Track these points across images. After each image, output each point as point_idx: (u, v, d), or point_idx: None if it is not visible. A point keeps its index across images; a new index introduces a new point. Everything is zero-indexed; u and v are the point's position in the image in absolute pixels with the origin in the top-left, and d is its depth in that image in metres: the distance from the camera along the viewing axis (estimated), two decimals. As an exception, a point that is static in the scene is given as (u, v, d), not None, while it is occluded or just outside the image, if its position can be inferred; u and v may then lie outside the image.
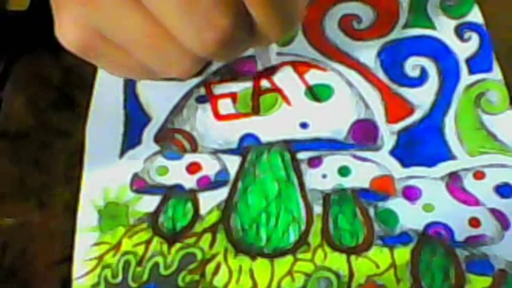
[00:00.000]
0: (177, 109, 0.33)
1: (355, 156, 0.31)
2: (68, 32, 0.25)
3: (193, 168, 0.31)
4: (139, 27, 0.24)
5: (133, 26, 0.24)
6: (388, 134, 0.32)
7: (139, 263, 0.29)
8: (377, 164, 0.31)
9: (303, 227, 0.30)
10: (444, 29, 0.35)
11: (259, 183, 0.31)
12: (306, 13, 0.27)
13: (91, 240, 0.30)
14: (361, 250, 0.29)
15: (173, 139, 0.32)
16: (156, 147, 0.32)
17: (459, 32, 0.35)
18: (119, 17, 0.23)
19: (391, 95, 0.33)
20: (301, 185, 0.31)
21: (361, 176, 0.31)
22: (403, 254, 0.29)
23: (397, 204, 0.30)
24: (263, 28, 0.25)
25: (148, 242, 0.30)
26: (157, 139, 0.32)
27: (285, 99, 0.33)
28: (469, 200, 0.30)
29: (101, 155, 0.32)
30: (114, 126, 0.33)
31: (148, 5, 0.23)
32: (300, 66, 0.34)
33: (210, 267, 0.29)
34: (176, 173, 0.31)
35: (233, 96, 0.33)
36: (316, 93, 0.33)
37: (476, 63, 0.33)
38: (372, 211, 0.30)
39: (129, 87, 0.34)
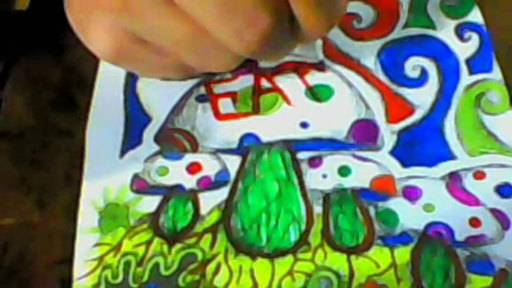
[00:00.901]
0: (177, 109, 0.33)
1: (355, 156, 0.31)
2: (100, 40, 0.25)
3: (193, 168, 0.31)
4: (178, 28, 0.23)
5: (172, 27, 0.23)
6: (388, 134, 0.32)
7: (139, 263, 0.29)
8: (377, 164, 0.31)
9: (303, 227, 0.30)
10: (444, 29, 0.35)
11: (259, 183, 0.31)
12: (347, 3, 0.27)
13: (91, 241, 0.30)
14: (362, 250, 0.29)
15: (173, 139, 0.32)
16: (157, 148, 0.32)
17: (459, 32, 0.35)
18: (156, 20, 0.23)
19: (391, 95, 0.33)
20: (302, 184, 0.31)
21: (362, 175, 0.31)
22: (403, 253, 0.29)
23: (397, 204, 0.30)
24: (306, 26, 0.24)
25: (148, 243, 0.30)
26: (157, 139, 0.32)
27: (285, 99, 0.33)
28: (469, 200, 0.30)
29: (101, 155, 0.32)
30: (114, 127, 0.33)
31: (185, 8, 0.22)
32: (300, 66, 0.34)
33: (210, 268, 0.29)
34: (176, 173, 0.31)
35: (233, 95, 0.33)
36: (317, 93, 0.33)
37: (476, 64, 0.33)
38: (372, 211, 0.30)
39: (129, 87, 0.34)
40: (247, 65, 0.33)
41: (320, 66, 0.34)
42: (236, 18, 0.22)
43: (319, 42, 0.31)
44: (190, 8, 0.22)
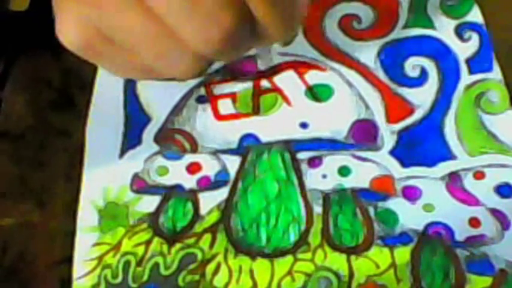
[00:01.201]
0: (177, 109, 0.33)
1: (355, 156, 0.31)
2: (68, 31, 0.25)
3: (193, 168, 0.31)
4: (142, 26, 0.23)
5: (136, 26, 0.23)
6: (388, 134, 0.32)
7: (139, 263, 0.29)
8: (377, 164, 0.31)
9: (303, 227, 0.30)
10: (444, 29, 0.35)
11: (259, 183, 0.31)
12: (306, 13, 0.27)
13: (91, 240, 0.30)
14: (361, 250, 0.29)
15: (173, 139, 0.32)
16: (156, 148, 0.32)
17: (459, 32, 0.35)
18: (120, 16, 0.23)
19: (391, 95, 0.33)
20: (301, 185, 0.31)
21: (361, 176, 0.31)
22: (403, 254, 0.29)
23: (397, 204, 0.30)
24: (265, 28, 0.25)
25: (148, 243, 0.30)
26: (157, 139, 0.32)
27: (285, 99, 0.33)
28: (469, 200, 0.30)
29: (101, 155, 0.32)
30: (114, 127, 0.33)
31: (151, 4, 0.23)
32: (300, 66, 0.34)
33: (210, 268, 0.29)
34: (176, 173, 0.31)
35: (233, 96, 0.33)
36: (316, 93, 0.33)
37: (476, 63, 0.33)
38: (372, 211, 0.30)
39: (129, 87, 0.34)
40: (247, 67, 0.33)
41: (319, 66, 0.34)
42: (200, 16, 0.23)
43: (275, 47, 0.31)
44: (155, 4, 0.23)
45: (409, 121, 0.32)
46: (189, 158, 0.32)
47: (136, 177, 0.31)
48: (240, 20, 0.23)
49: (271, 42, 0.28)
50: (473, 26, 0.35)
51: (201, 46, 0.24)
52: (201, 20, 0.23)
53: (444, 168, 0.31)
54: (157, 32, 0.24)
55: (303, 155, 0.31)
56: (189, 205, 0.30)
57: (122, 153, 0.32)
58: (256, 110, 0.33)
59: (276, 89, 0.33)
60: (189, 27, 0.23)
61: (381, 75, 0.34)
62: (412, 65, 0.34)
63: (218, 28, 0.23)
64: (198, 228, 0.30)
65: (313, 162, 0.31)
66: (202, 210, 0.30)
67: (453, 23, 0.35)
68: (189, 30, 0.23)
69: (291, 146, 0.32)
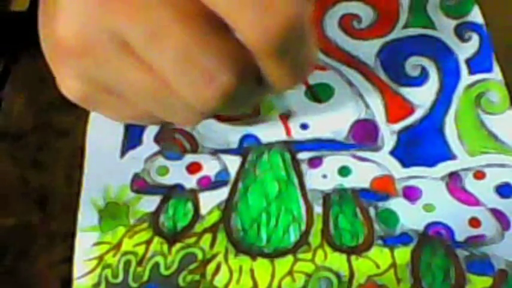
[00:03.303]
0: (177, 109, 0.33)
1: (355, 156, 0.31)
2: (70, 86, 0.24)
3: (193, 168, 0.31)
4: (140, 79, 0.23)
5: (134, 79, 0.23)
6: (388, 134, 0.32)
7: (139, 263, 0.29)
8: (377, 164, 0.31)
9: (303, 227, 0.30)
10: (444, 29, 0.35)
11: (259, 184, 0.31)
12: (317, 55, 0.25)
13: (91, 240, 0.30)
14: (362, 250, 0.29)
15: (173, 139, 0.32)
16: (157, 147, 0.32)
17: (459, 32, 0.35)
18: (118, 70, 0.23)
19: (391, 94, 0.33)
20: (302, 185, 0.31)
21: (362, 176, 0.31)
22: (403, 254, 0.29)
23: (397, 204, 0.30)
24: (272, 80, 0.23)
25: (148, 242, 0.30)
26: (157, 139, 0.32)
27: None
28: (469, 200, 0.30)
29: (102, 155, 0.32)
30: (114, 127, 0.33)
31: (146, 58, 0.22)
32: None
33: (210, 267, 0.29)
34: (176, 173, 0.31)
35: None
36: (317, 93, 0.33)
37: (476, 64, 0.33)
38: (372, 211, 0.30)
39: (129, 87, 0.34)
40: None
41: (319, 65, 0.34)
42: (196, 72, 0.21)
43: (289, 91, 0.30)
44: (151, 58, 0.22)
45: (409, 121, 0.32)
46: (189, 158, 0.32)
47: (136, 177, 0.31)
48: (240, 77, 0.22)
49: (279, 92, 0.27)
50: (473, 26, 0.35)
51: (198, 104, 0.23)
52: (197, 77, 0.22)
53: (444, 168, 0.31)
54: (156, 86, 0.23)
55: (303, 155, 0.31)
56: (190, 205, 0.30)
57: (123, 153, 0.32)
58: (256, 112, 0.33)
59: (276, 89, 0.33)
60: (184, 85, 0.22)
61: (381, 74, 0.34)
62: (412, 65, 0.34)
63: (214, 86, 0.22)
64: (198, 228, 0.30)
65: (314, 163, 0.31)
66: (203, 210, 0.30)
67: (453, 23, 0.35)
68: (185, 87, 0.22)
69: (291, 146, 0.32)
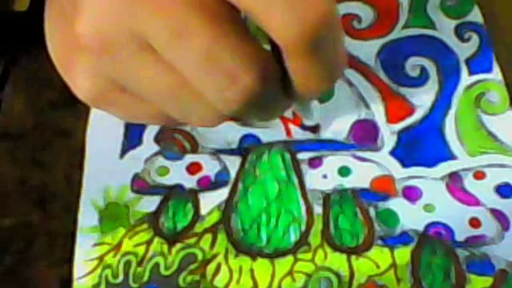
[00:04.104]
0: (178, 109, 0.33)
1: (355, 157, 0.31)
2: (81, 82, 0.24)
3: (193, 168, 0.31)
4: (159, 78, 0.22)
5: (153, 78, 0.22)
6: (388, 134, 0.32)
7: (139, 263, 0.29)
8: (377, 164, 0.31)
9: (303, 227, 0.30)
10: (444, 29, 0.35)
11: (259, 184, 0.31)
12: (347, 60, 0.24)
13: (91, 240, 0.30)
14: (362, 250, 0.29)
15: (173, 139, 0.32)
16: (157, 148, 0.32)
17: (459, 32, 0.35)
18: (137, 68, 0.22)
19: (391, 95, 0.33)
20: (302, 185, 0.31)
21: (362, 176, 0.31)
22: (403, 254, 0.29)
23: (397, 204, 0.30)
24: (300, 84, 0.23)
25: (148, 243, 0.30)
26: (157, 139, 0.32)
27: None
28: (469, 200, 0.30)
29: (102, 155, 0.32)
30: (114, 127, 0.33)
31: (167, 57, 0.21)
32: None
33: (210, 268, 0.29)
34: (177, 173, 0.31)
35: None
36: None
37: (476, 64, 0.33)
38: (372, 211, 0.30)
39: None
40: None
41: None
42: (219, 73, 0.21)
43: (316, 103, 0.30)
44: (172, 58, 0.21)
45: (409, 121, 0.32)
46: (189, 158, 0.32)
47: (136, 178, 0.31)
48: (264, 79, 0.21)
49: (307, 99, 0.26)
50: (473, 26, 0.35)
51: (220, 106, 0.22)
52: (220, 77, 0.21)
53: (444, 168, 0.31)
54: (176, 85, 0.22)
55: (303, 155, 0.31)
56: (190, 205, 0.30)
57: (123, 153, 0.32)
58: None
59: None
60: (206, 84, 0.22)
61: (381, 75, 0.34)
62: (412, 65, 0.34)
63: (237, 88, 0.21)
64: (198, 228, 0.30)
65: (314, 163, 0.31)
66: (203, 210, 0.30)
67: (453, 23, 0.35)
68: (207, 88, 0.22)
69: (291, 146, 0.32)
